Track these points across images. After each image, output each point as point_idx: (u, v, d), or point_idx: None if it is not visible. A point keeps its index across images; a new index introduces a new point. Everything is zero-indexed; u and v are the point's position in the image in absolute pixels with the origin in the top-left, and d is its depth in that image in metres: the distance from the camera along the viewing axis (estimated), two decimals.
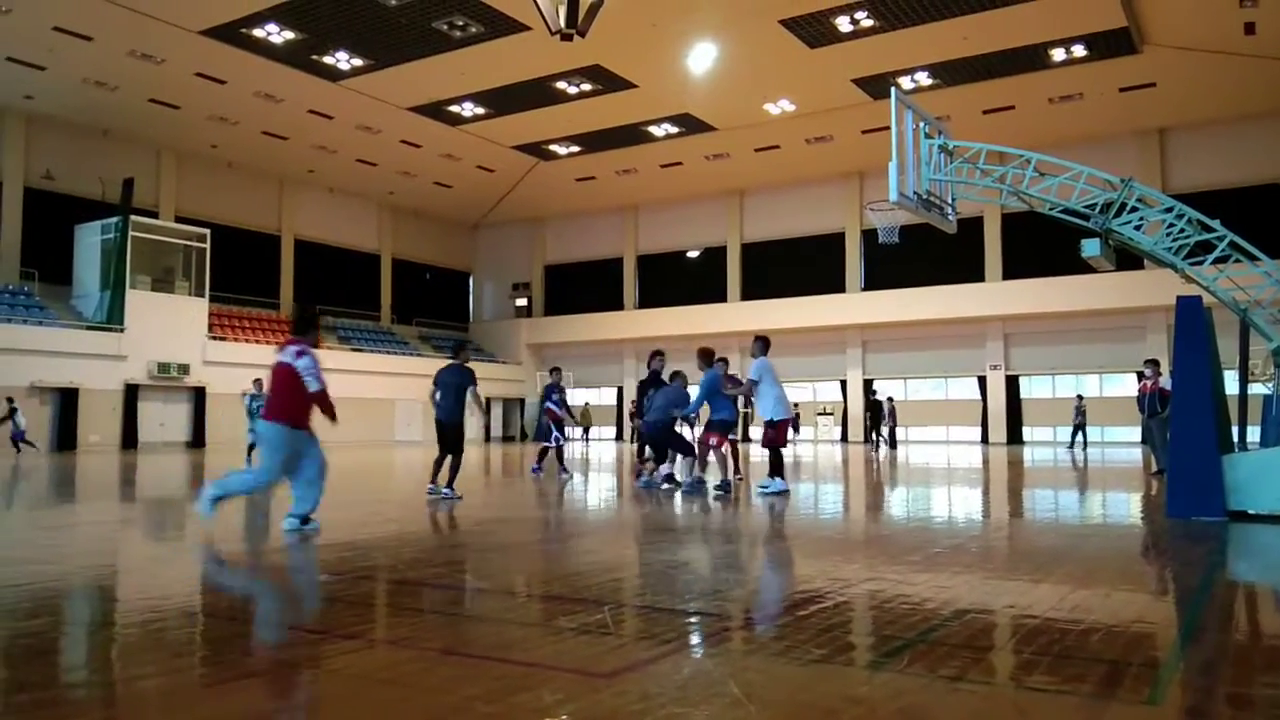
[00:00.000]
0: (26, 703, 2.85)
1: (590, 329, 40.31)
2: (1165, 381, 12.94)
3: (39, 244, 29.06)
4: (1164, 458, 11.89)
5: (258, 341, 32.32)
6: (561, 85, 27.61)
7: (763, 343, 11.09)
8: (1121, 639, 3.67)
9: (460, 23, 23.36)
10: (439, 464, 10.17)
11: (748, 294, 37.72)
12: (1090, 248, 8.71)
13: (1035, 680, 3.08)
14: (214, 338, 30.66)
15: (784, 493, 10.40)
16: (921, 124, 9.19)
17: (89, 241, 29.27)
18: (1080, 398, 28.03)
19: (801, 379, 35.14)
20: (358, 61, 25.95)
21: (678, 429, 12.06)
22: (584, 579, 5.19)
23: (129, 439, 27.63)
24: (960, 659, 3.34)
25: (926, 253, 28.46)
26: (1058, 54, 24.88)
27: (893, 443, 29.07)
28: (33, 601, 4.48)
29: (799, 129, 31.16)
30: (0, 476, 14.66)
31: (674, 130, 31.69)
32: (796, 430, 31.53)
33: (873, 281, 35.14)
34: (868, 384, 34.86)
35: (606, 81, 27.29)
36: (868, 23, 23.14)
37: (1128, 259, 13.91)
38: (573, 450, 26.68)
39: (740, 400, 13.85)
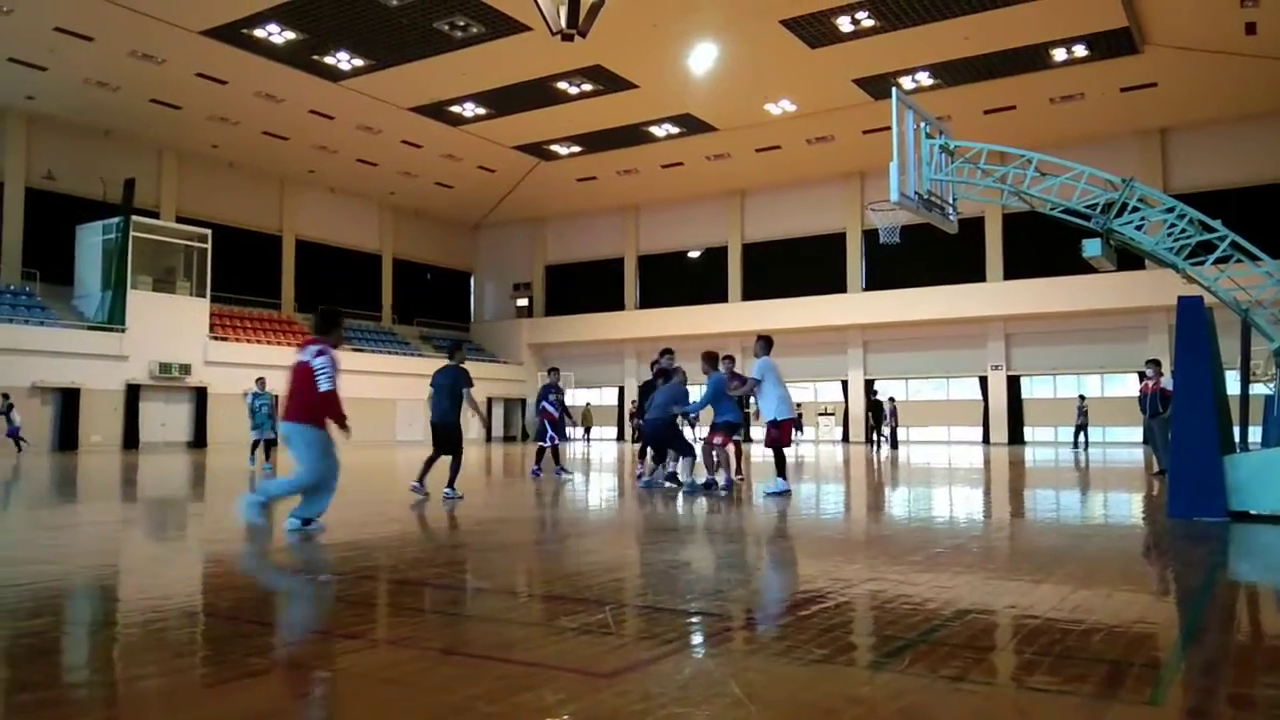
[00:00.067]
0: (29, 702, 2.85)
1: (591, 329, 40.32)
2: (1167, 382, 12.94)
3: (40, 244, 29.09)
4: (1165, 458, 11.89)
5: (259, 342, 32.35)
6: (562, 85, 27.62)
7: (765, 342, 11.07)
8: (1123, 639, 3.67)
9: (461, 23, 23.37)
10: (429, 463, 10.21)
11: (749, 294, 37.72)
12: (1091, 248, 8.71)
13: (1036, 681, 3.08)
14: (215, 338, 30.67)
15: (785, 493, 10.40)
16: (922, 124, 9.20)
17: (90, 242, 29.29)
18: (1082, 398, 28.02)
19: (803, 379, 35.13)
20: (359, 62, 25.96)
21: (680, 426, 11.97)
22: (585, 579, 5.20)
23: (130, 439, 27.65)
24: (962, 659, 3.34)
25: (927, 253, 28.45)
26: (1059, 54, 24.87)
27: (894, 443, 29.06)
28: (34, 601, 4.48)
29: (800, 129, 31.16)
30: (1, 476, 14.66)
31: (675, 130, 31.70)
32: (800, 430, 31.52)
33: (874, 282, 35.14)
34: (869, 384, 34.88)
35: (607, 82, 27.29)
36: (869, 23, 23.14)
37: (1129, 259, 13.92)
38: (573, 450, 26.68)
39: (744, 400, 13.83)
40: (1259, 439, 12.83)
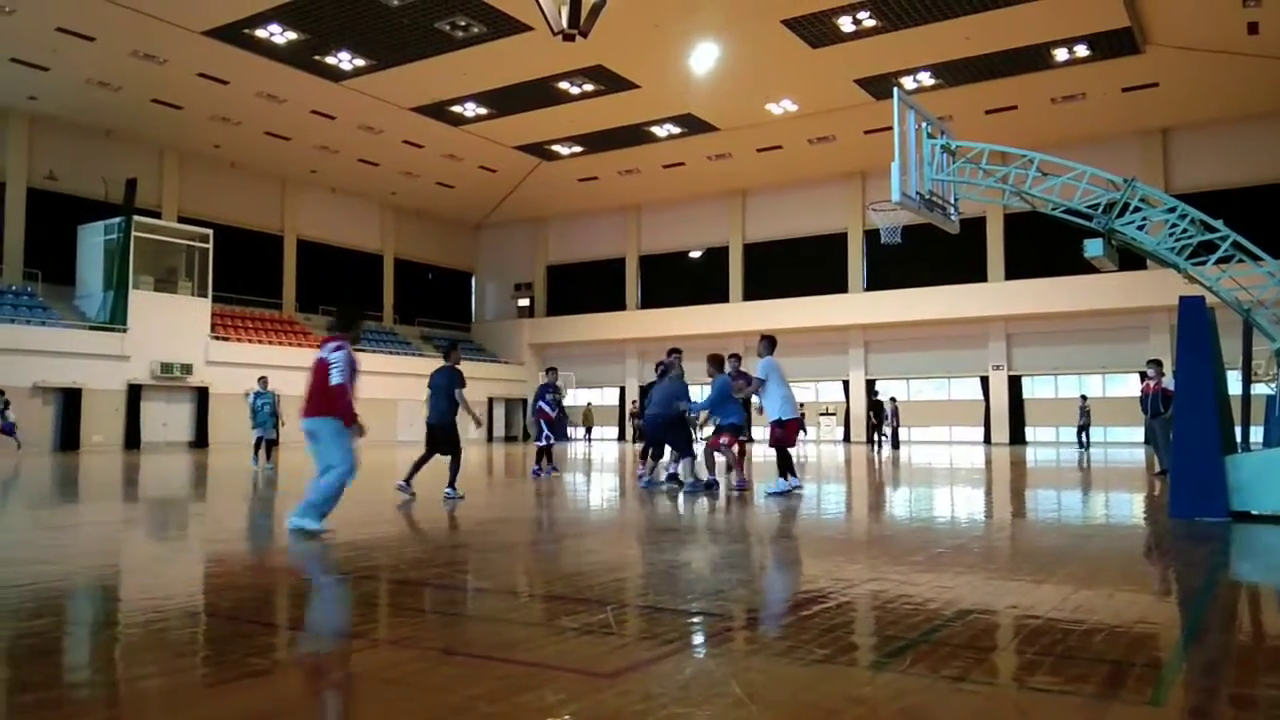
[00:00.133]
0: (30, 703, 2.85)
1: (592, 329, 40.32)
2: (1168, 382, 12.93)
3: (42, 244, 29.10)
4: (1167, 458, 11.88)
5: (260, 342, 32.37)
6: (564, 85, 27.62)
7: (769, 342, 11.04)
8: (1124, 639, 3.67)
9: (462, 23, 23.37)
10: (419, 464, 10.22)
11: (750, 294, 37.72)
12: (1093, 248, 8.70)
13: (1038, 681, 3.08)
14: (217, 338, 30.69)
15: (787, 493, 10.40)
16: (924, 124, 9.19)
17: (92, 242, 29.31)
18: (1084, 398, 28.01)
19: (804, 379, 35.11)
20: (360, 62, 25.97)
21: (686, 421, 11.74)
22: (586, 579, 5.20)
23: (132, 439, 27.66)
24: (963, 659, 3.34)
25: (929, 253, 28.43)
26: (1060, 54, 24.86)
27: (895, 443, 29.05)
28: (36, 601, 4.49)
29: (801, 129, 31.15)
30: (1, 476, 14.68)
31: (676, 130, 31.70)
32: (804, 430, 31.46)
33: (875, 282, 35.12)
34: (870, 384, 34.86)
35: (609, 82, 27.29)
36: (870, 23, 23.13)
37: (1130, 259, 13.91)
38: (574, 450, 26.69)
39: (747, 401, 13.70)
40: (1260, 439, 12.82)
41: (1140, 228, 8.47)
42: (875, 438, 30.29)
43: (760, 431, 17.74)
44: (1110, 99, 27.56)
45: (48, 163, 29.28)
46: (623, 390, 40.12)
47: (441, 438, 10.24)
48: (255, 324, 33.92)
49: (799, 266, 36.40)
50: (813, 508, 9.50)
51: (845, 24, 23.22)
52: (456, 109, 29.77)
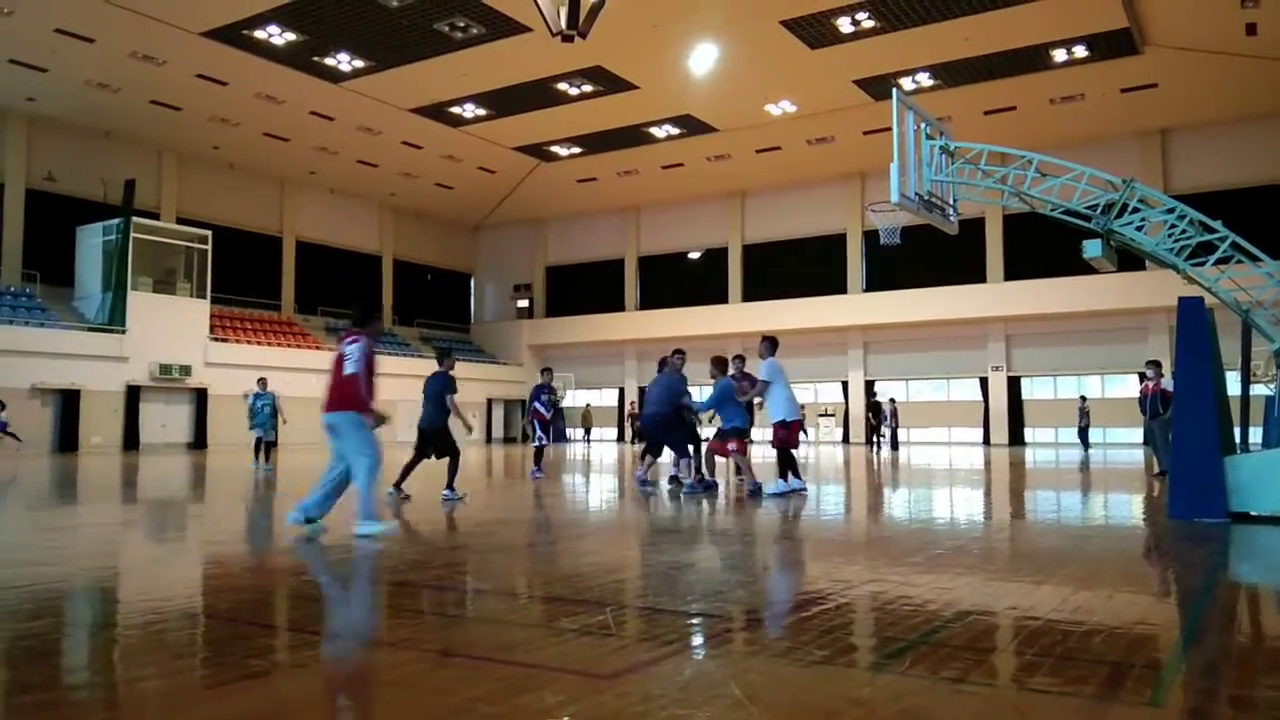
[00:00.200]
0: (29, 704, 2.85)
1: (591, 330, 40.33)
2: (1167, 383, 12.93)
3: (41, 246, 29.09)
4: (1166, 459, 11.89)
5: (259, 343, 32.36)
6: (563, 86, 27.62)
7: (771, 343, 11.00)
8: (1124, 641, 3.66)
9: (461, 24, 23.38)
10: (409, 468, 10.22)
11: (749, 295, 37.73)
12: (1092, 249, 8.71)
13: (1037, 682, 3.08)
14: (215, 339, 30.68)
15: (787, 494, 10.39)
16: (923, 125, 9.19)
17: (90, 243, 29.30)
18: (1083, 399, 28.02)
19: (803, 380, 35.10)
20: (359, 63, 25.97)
21: (685, 419, 11.49)
22: (585, 580, 5.19)
23: (130, 440, 27.65)
24: (962, 661, 3.34)
25: (928, 254, 28.44)
26: (1059, 55, 24.87)
27: (894, 444, 29.05)
28: (34, 603, 4.48)
29: (800, 130, 31.16)
30: (2, 477, 14.67)
31: (675, 131, 31.71)
32: (804, 432, 31.43)
33: (874, 282, 35.14)
34: (869, 385, 34.87)
35: (608, 83, 27.30)
36: (869, 24, 23.14)
37: (1129, 260, 13.92)
38: (573, 451, 26.68)
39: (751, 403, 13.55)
40: (1259, 440, 12.84)
41: (1139, 228, 8.48)
42: (874, 439, 30.29)
43: (759, 433, 17.69)
44: (1109, 100, 27.58)
45: (46, 164, 29.28)
46: (622, 391, 40.13)
47: (435, 442, 10.24)
48: (254, 325, 33.92)
49: (798, 267, 36.42)
50: (812, 509, 9.50)
51: (844, 25, 23.24)
52: (455, 110, 29.77)
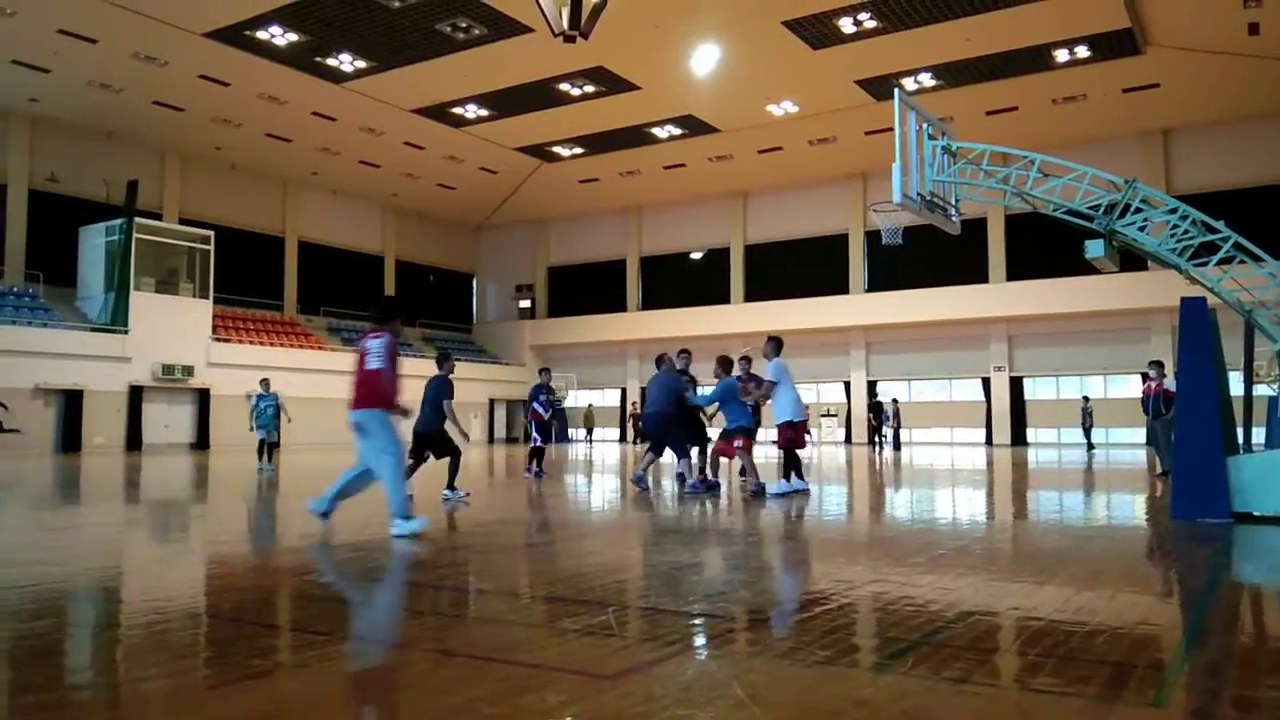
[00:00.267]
0: (32, 704, 2.85)
1: (593, 330, 40.34)
2: (1170, 383, 12.91)
3: (44, 246, 29.15)
4: (1169, 459, 11.87)
5: (262, 343, 32.39)
6: (564, 87, 27.64)
7: (776, 344, 10.98)
8: (1126, 641, 3.66)
9: (463, 25, 23.39)
10: (408, 472, 10.20)
11: (751, 295, 37.73)
12: (1094, 249, 8.70)
13: (1040, 682, 3.07)
14: (218, 339, 30.71)
15: (792, 493, 10.39)
16: (925, 125, 9.19)
17: (93, 243, 29.34)
18: (1086, 399, 28.00)
19: (805, 380, 35.10)
20: (361, 63, 26.00)
21: (686, 418, 11.41)
22: (587, 580, 5.19)
23: (133, 441, 27.68)
24: (965, 661, 3.34)
25: (930, 254, 28.44)
26: (1061, 55, 24.87)
27: (896, 444, 29.04)
28: (37, 603, 4.49)
29: (802, 130, 31.16)
30: (2, 478, 14.68)
31: (677, 132, 31.71)
32: (809, 432, 31.42)
33: (876, 283, 35.13)
34: (871, 385, 34.86)
35: (609, 83, 27.31)
36: (871, 24, 23.14)
37: (1132, 260, 13.91)
38: (574, 451, 26.69)
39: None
40: (1262, 440, 12.82)
41: (1141, 229, 8.47)
42: (876, 439, 30.27)
43: (762, 433, 17.62)
44: (1111, 100, 27.56)
45: (49, 164, 29.33)
46: (624, 392, 40.14)
47: (432, 444, 10.23)
48: (256, 326, 33.95)
49: (800, 267, 36.41)
50: (814, 509, 9.50)
51: (846, 25, 23.25)
52: (457, 110, 29.80)
